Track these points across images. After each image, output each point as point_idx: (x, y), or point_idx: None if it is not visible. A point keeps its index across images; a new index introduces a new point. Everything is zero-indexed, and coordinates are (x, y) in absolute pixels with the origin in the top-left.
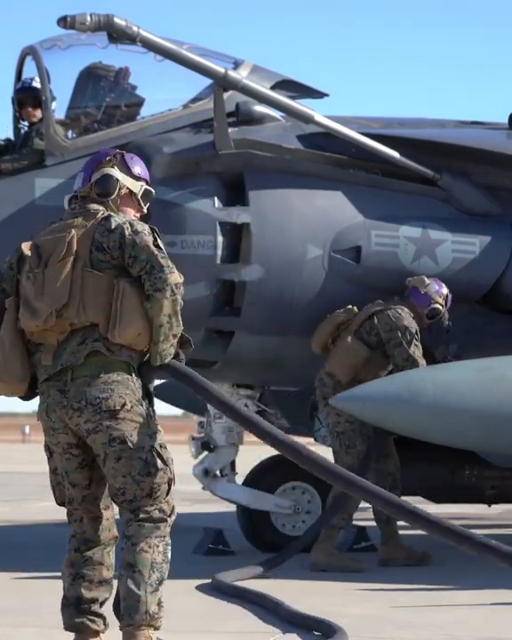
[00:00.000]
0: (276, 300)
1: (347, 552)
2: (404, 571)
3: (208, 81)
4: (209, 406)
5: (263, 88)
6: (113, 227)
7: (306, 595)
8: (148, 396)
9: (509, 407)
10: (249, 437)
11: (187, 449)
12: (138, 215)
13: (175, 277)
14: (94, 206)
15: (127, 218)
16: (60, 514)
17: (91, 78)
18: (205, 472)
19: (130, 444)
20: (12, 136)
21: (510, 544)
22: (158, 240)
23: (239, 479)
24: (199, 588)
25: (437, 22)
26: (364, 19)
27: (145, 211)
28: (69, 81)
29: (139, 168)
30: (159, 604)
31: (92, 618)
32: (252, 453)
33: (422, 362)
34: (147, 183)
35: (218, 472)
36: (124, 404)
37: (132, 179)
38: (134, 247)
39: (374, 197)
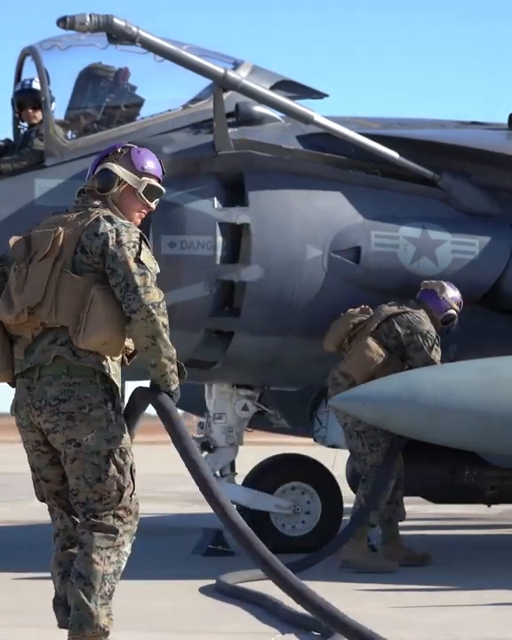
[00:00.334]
0: (275, 300)
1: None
2: (404, 571)
3: (208, 81)
4: (209, 406)
5: (263, 88)
6: (99, 232)
7: None
8: (112, 400)
9: (509, 407)
10: (249, 437)
11: None
12: (144, 212)
13: (151, 297)
14: (94, 203)
15: (117, 223)
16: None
17: (90, 79)
18: None
19: (84, 447)
20: (11, 137)
21: (510, 544)
22: (143, 253)
23: (239, 479)
24: (201, 588)
25: (437, 22)
26: (364, 19)
27: (152, 206)
28: (69, 81)
29: (147, 163)
30: (109, 615)
31: None
32: (252, 454)
33: None
34: (157, 179)
35: (218, 472)
36: (82, 407)
37: (135, 174)
38: (114, 260)
39: (374, 198)
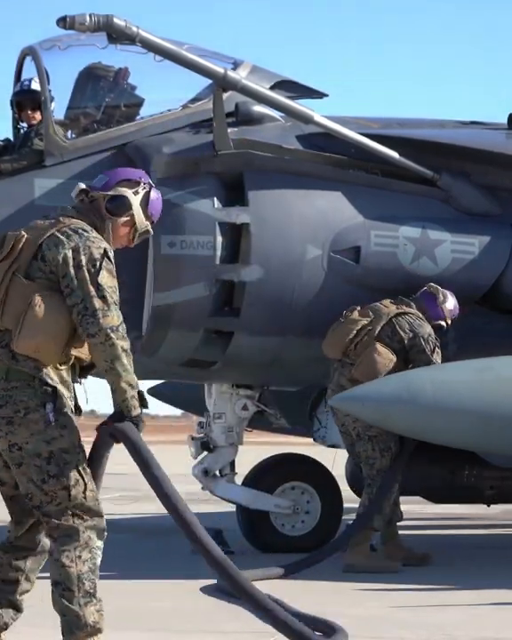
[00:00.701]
0: (275, 300)
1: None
2: (404, 571)
3: (207, 81)
4: (209, 406)
5: (262, 88)
6: (61, 245)
7: (306, 594)
8: (52, 402)
9: (509, 407)
10: (249, 437)
11: (186, 449)
12: (122, 245)
13: (110, 320)
14: (77, 218)
15: (82, 239)
16: None
17: (90, 78)
18: (205, 472)
19: (25, 451)
20: (11, 137)
21: (510, 544)
22: (103, 272)
23: (238, 479)
24: (201, 588)
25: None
26: (365, 18)
27: (132, 245)
28: (69, 81)
29: (158, 211)
30: (98, 611)
31: None
32: (252, 453)
33: None
34: (152, 224)
35: (217, 472)
36: (18, 411)
37: (145, 216)
38: (72, 281)
39: (374, 198)
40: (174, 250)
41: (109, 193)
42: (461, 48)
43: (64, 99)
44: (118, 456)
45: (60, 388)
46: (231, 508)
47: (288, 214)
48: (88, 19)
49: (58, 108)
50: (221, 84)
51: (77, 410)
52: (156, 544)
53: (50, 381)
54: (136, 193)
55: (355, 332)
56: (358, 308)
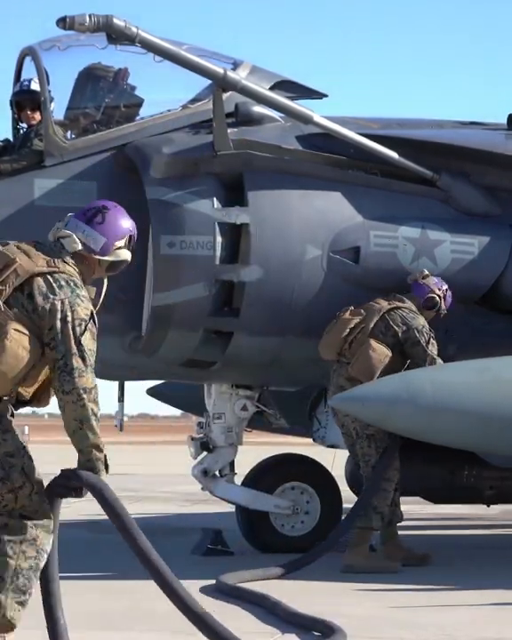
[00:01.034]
0: (275, 300)
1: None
2: (404, 571)
3: (207, 81)
4: (208, 406)
5: (262, 89)
6: (53, 296)
7: (305, 595)
8: None
9: (508, 407)
10: (248, 438)
11: (186, 449)
12: (93, 275)
13: (85, 381)
14: (72, 267)
15: (74, 294)
16: (61, 514)
17: (90, 79)
18: (204, 472)
19: None
20: (10, 137)
21: (510, 544)
22: (87, 334)
23: (238, 479)
24: (201, 588)
25: (437, 22)
26: (364, 18)
27: (103, 276)
28: (68, 81)
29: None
30: (19, 611)
31: None
32: (252, 454)
33: (438, 361)
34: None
35: (217, 472)
36: None
37: (126, 249)
38: (58, 335)
39: (373, 198)
40: (174, 250)
41: (109, 259)
42: (461, 48)
43: (64, 99)
44: (118, 456)
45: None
46: (231, 508)
47: (287, 214)
48: (88, 19)
49: (57, 109)
50: (221, 84)
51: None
52: (156, 544)
53: None
54: (129, 248)
55: (347, 330)
56: (351, 308)
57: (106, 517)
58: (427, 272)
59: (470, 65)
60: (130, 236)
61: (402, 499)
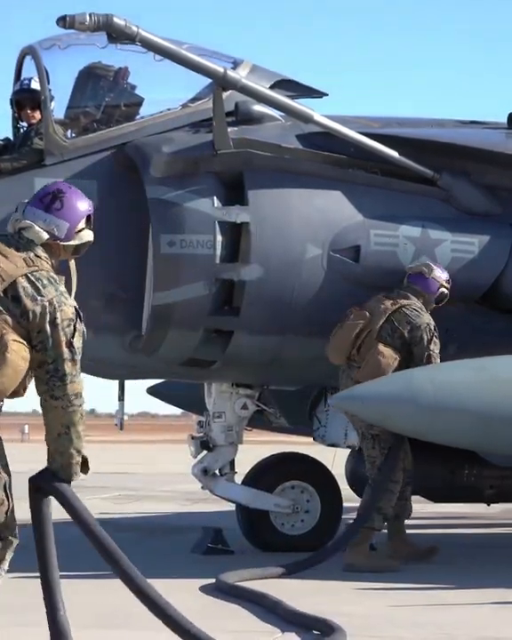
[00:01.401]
0: (275, 299)
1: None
2: (405, 570)
3: (207, 80)
4: (208, 405)
5: (262, 88)
6: (40, 297)
7: (305, 594)
8: None
9: (509, 407)
10: (248, 436)
11: (186, 448)
12: (59, 260)
13: (75, 387)
14: (45, 260)
15: (57, 293)
16: (61, 513)
17: (90, 78)
18: (204, 471)
19: None
20: (11, 136)
21: (510, 543)
22: (76, 334)
23: (238, 478)
24: (201, 588)
25: (437, 21)
26: (364, 18)
27: (69, 259)
28: (69, 81)
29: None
30: None
31: None
32: (252, 453)
33: (436, 360)
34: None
35: (217, 471)
36: None
37: (88, 229)
38: (48, 340)
39: (373, 197)
40: (174, 249)
41: (74, 243)
42: (462, 46)
43: (64, 98)
44: (118, 456)
45: None
46: (231, 507)
47: (288, 213)
48: (88, 18)
49: (58, 108)
50: (221, 83)
51: None
52: (156, 543)
53: None
54: (89, 227)
55: (354, 335)
56: (355, 309)
57: (105, 517)
58: (431, 264)
59: (470, 64)
60: (88, 216)
61: None
